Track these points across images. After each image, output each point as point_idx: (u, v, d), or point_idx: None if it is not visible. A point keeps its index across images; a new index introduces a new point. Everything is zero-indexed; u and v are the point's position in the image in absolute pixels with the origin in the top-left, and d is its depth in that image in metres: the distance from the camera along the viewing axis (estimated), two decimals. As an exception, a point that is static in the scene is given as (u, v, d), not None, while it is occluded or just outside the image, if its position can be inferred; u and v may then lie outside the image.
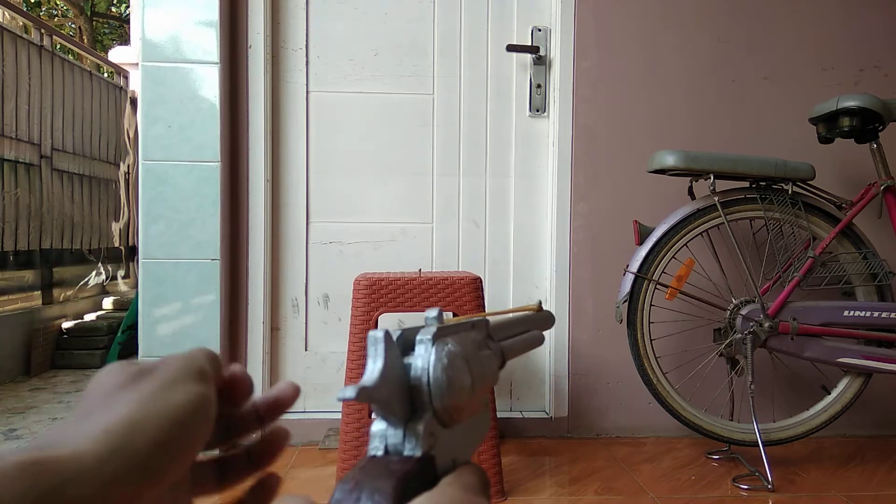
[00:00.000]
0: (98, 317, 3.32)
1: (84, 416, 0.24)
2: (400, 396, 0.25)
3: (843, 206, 1.71)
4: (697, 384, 1.86)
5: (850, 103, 1.61)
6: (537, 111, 2.01)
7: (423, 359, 0.26)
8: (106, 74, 4.19)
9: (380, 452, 0.25)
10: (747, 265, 1.70)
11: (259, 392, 0.30)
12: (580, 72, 1.97)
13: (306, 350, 1.98)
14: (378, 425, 0.26)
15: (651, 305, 1.67)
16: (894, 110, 1.63)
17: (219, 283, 1.80)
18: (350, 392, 0.23)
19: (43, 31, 3.17)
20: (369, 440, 0.26)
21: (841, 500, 1.52)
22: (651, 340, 1.68)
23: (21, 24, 3.79)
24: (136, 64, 1.84)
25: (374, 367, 0.25)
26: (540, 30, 2.00)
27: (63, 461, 0.21)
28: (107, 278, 3.85)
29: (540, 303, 0.40)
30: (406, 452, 0.25)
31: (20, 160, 2.95)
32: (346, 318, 1.98)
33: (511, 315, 0.36)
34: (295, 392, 0.30)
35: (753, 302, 1.67)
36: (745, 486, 1.58)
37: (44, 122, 3.15)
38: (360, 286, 1.54)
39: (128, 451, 0.22)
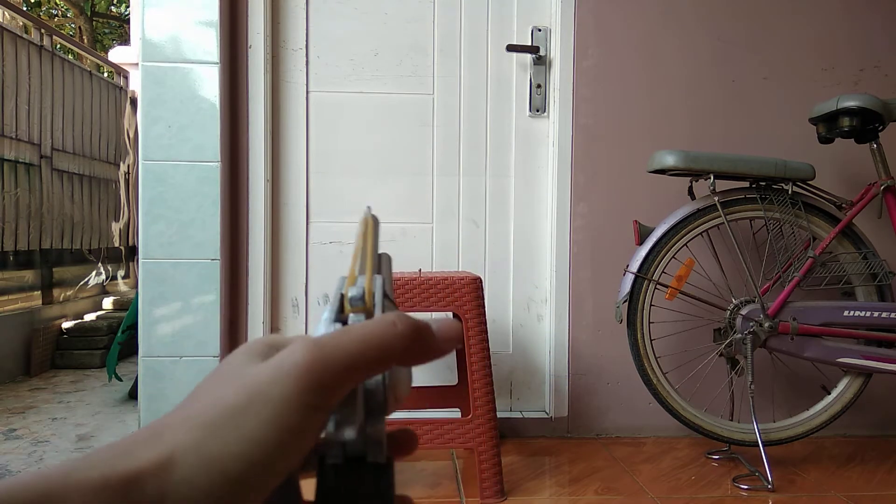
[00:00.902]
0: (98, 317, 3.32)
1: (165, 430, 0.22)
2: (352, 399, 0.24)
3: (843, 206, 1.71)
4: (697, 384, 1.86)
5: (850, 103, 1.61)
6: (537, 111, 2.01)
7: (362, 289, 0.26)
8: (106, 74, 4.19)
9: (339, 460, 0.24)
10: (747, 265, 1.70)
11: None
12: (580, 72, 1.97)
13: (306, 350, 1.98)
14: (331, 428, 0.24)
15: (651, 305, 1.67)
16: (894, 110, 1.63)
17: (219, 283, 1.80)
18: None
19: (43, 31, 3.17)
20: (320, 445, 0.25)
21: (841, 500, 1.52)
22: (651, 340, 1.68)
23: (21, 23, 3.79)
24: (136, 64, 1.84)
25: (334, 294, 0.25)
26: (540, 30, 2.00)
27: (145, 476, 0.20)
28: (107, 278, 3.85)
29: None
30: (370, 460, 0.24)
31: (20, 160, 2.96)
32: (346, 318, 1.97)
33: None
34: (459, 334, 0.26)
35: (753, 302, 1.67)
36: (745, 486, 1.58)
37: (44, 122, 3.15)
38: (360, 286, 1.54)
39: (226, 477, 0.21)
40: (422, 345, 0.24)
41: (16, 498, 0.19)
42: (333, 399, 0.22)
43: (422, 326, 0.24)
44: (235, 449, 0.21)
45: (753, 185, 1.70)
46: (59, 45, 3.42)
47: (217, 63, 1.80)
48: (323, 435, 0.24)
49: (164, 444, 0.21)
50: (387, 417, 0.25)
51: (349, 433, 0.23)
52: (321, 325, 0.26)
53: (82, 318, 3.27)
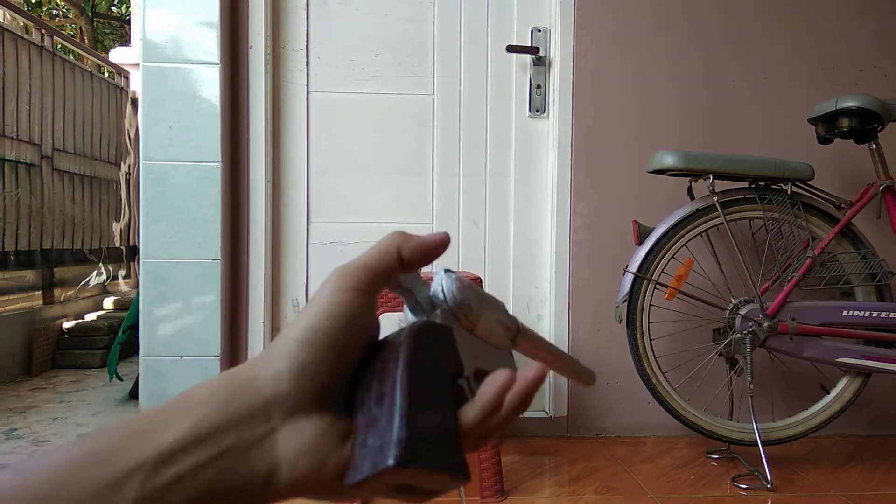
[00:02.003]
0: (99, 317, 3.32)
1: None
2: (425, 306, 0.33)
3: (843, 206, 1.72)
4: (697, 384, 1.87)
5: (850, 104, 1.61)
6: (537, 111, 2.02)
7: (438, 279, 0.35)
8: (107, 75, 4.19)
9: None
10: (746, 265, 1.70)
11: None
12: (580, 72, 1.98)
13: (307, 350, 1.99)
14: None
15: (650, 305, 1.68)
16: (893, 111, 1.63)
17: (219, 283, 1.81)
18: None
19: (43, 31, 3.17)
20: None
21: (840, 500, 1.52)
22: (650, 340, 1.69)
23: (22, 24, 3.80)
24: (137, 64, 1.85)
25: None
26: (540, 30, 2.01)
27: (243, 368, 0.29)
28: (107, 278, 3.86)
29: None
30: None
31: (21, 160, 2.96)
32: (347, 318, 1.98)
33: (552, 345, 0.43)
34: (445, 240, 0.35)
35: (753, 302, 1.67)
36: (745, 486, 1.59)
37: (44, 122, 3.15)
38: (360, 286, 1.55)
39: (297, 343, 0.29)
40: (410, 241, 0.33)
41: (167, 401, 0.27)
42: (358, 283, 0.30)
43: (410, 235, 0.34)
44: (301, 323, 0.29)
45: (753, 186, 1.70)
46: (59, 46, 3.42)
47: (218, 63, 1.80)
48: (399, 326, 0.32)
49: (259, 354, 0.30)
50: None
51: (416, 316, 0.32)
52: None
53: (83, 318, 3.28)
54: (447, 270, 0.36)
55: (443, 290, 0.34)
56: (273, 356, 0.28)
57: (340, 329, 0.29)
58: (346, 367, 0.30)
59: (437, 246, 0.34)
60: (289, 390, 0.28)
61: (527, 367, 0.32)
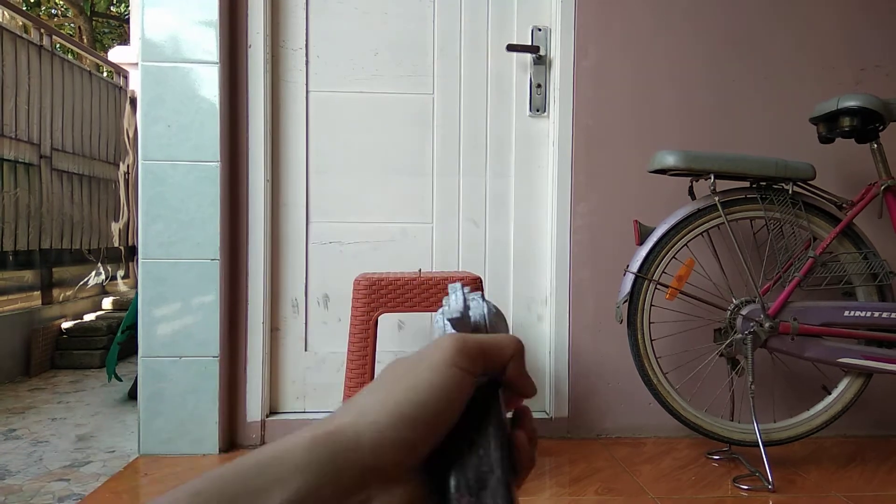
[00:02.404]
0: (97, 317, 3.31)
1: (356, 400, 0.30)
2: (465, 328, 0.36)
3: (844, 205, 1.71)
4: (698, 384, 1.86)
5: (851, 103, 1.60)
6: (537, 111, 2.01)
7: (479, 306, 0.37)
8: (105, 74, 4.19)
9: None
10: (748, 265, 1.69)
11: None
12: (580, 72, 1.97)
13: (306, 350, 1.98)
14: None
15: (651, 305, 1.67)
16: (895, 110, 1.63)
17: (218, 283, 1.80)
18: (452, 314, 0.36)
19: (42, 30, 3.17)
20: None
21: (841, 501, 1.52)
22: (651, 340, 1.68)
23: (21, 23, 3.79)
24: (136, 64, 1.84)
25: (456, 301, 0.37)
26: (540, 29, 2.00)
27: (344, 426, 0.28)
28: (106, 278, 3.85)
29: None
30: None
31: (20, 160, 2.95)
32: (346, 319, 1.97)
33: None
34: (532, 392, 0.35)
35: (754, 302, 1.67)
36: (746, 487, 1.58)
37: (43, 121, 3.14)
38: (359, 286, 1.54)
39: (402, 418, 0.28)
40: (522, 359, 0.34)
41: (258, 454, 0.26)
42: (470, 364, 0.30)
43: (523, 354, 0.34)
44: (407, 395, 0.28)
45: (754, 185, 1.70)
46: (58, 45, 3.41)
47: (217, 63, 1.80)
48: None
49: (355, 406, 0.29)
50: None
51: None
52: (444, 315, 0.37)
53: (82, 319, 3.27)
54: (482, 296, 0.39)
55: (485, 320, 0.37)
56: (376, 422, 0.28)
57: (447, 411, 0.29)
58: (441, 439, 0.30)
59: (526, 391, 0.35)
60: (388, 463, 0.27)
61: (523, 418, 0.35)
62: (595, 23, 1.97)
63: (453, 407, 0.29)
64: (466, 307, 0.37)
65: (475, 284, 1.56)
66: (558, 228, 1.97)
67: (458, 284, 0.39)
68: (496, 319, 0.37)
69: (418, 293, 1.54)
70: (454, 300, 0.38)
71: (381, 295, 1.53)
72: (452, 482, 0.29)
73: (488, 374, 0.33)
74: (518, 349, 0.33)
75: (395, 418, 0.28)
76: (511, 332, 0.36)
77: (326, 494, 0.26)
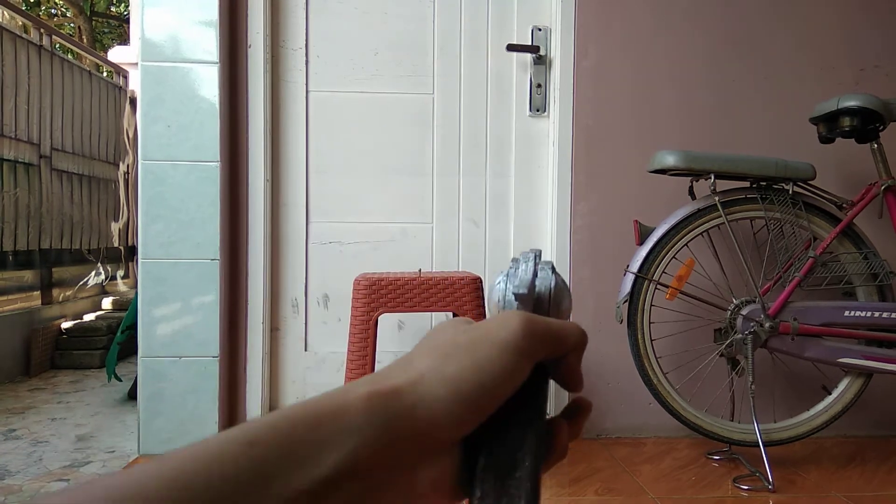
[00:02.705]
0: (97, 317, 3.31)
1: (414, 360, 0.29)
2: (531, 299, 0.35)
3: (844, 205, 1.71)
4: (698, 384, 1.86)
5: (851, 103, 1.60)
6: (537, 111, 2.01)
7: (547, 278, 0.36)
8: (105, 74, 4.18)
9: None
10: (748, 265, 1.69)
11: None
12: (580, 71, 1.97)
13: (306, 350, 1.98)
14: None
15: (651, 306, 1.67)
16: (895, 110, 1.63)
17: (218, 283, 1.80)
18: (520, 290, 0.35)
19: (42, 30, 3.16)
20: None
21: (841, 501, 1.52)
22: (651, 341, 1.68)
23: (20, 23, 3.79)
24: (136, 63, 1.84)
25: (525, 272, 0.36)
26: (540, 29, 2.00)
27: (403, 389, 0.27)
28: (106, 278, 3.85)
29: None
30: None
31: (20, 160, 2.95)
32: (346, 319, 1.97)
33: None
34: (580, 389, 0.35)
35: (754, 302, 1.66)
36: (746, 487, 1.58)
37: (43, 121, 3.14)
38: (359, 286, 1.54)
39: (460, 394, 0.27)
40: (582, 352, 0.33)
41: (312, 406, 0.25)
42: (536, 350, 0.30)
43: (584, 347, 0.33)
44: (468, 373, 0.28)
45: (754, 185, 1.69)
46: (58, 45, 3.41)
47: (217, 63, 1.80)
48: None
49: (414, 368, 0.28)
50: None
51: None
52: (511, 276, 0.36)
53: (82, 319, 3.27)
54: (548, 263, 0.38)
55: (549, 294, 0.36)
56: (434, 394, 0.27)
57: (504, 395, 0.29)
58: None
59: (576, 385, 0.34)
60: (439, 438, 0.27)
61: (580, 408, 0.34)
62: (595, 23, 1.97)
63: (508, 391, 0.29)
64: (534, 279, 0.35)
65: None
66: (558, 228, 1.97)
67: (532, 253, 0.37)
68: (560, 294, 0.36)
69: (418, 293, 1.54)
70: (523, 270, 0.36)
71: (381, 295, 1.53)
72: (482, 461, 0.28)
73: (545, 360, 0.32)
74: (582, 342, 0.32)
75: (453, 394, 0.27)
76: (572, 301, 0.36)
77: (378, 460, 0.25)
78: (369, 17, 1.97)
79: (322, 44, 1.96)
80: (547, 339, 0.30)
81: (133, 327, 2.05)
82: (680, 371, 1.87)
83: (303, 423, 0.25)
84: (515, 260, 0.37)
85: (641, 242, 1.68)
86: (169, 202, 1.79)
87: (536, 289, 0.35)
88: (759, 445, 1.62)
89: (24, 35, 3.00)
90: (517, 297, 0.35)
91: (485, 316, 1.58)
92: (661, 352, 1.73)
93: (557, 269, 0.39)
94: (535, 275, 0.36)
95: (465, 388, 0.27)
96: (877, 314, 1.64)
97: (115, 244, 4.00)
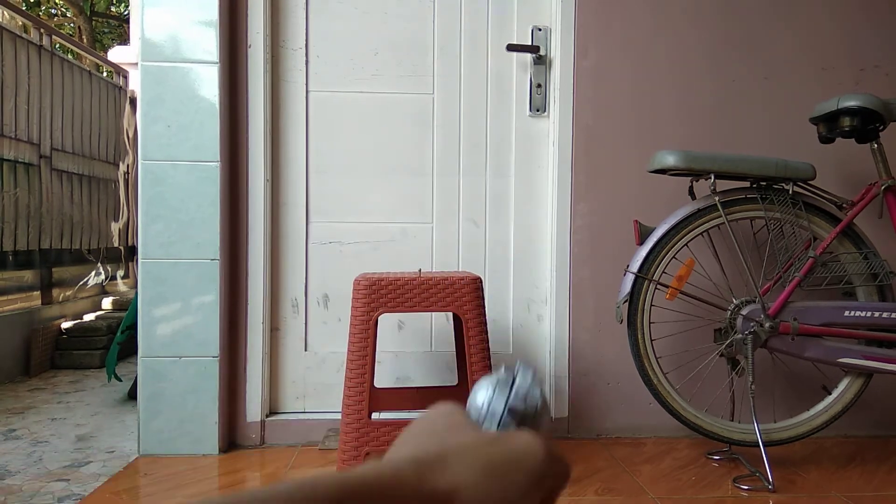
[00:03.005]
0: (97, 317, 3.31)
1: (458, 461, 0.30)
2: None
3: (844, 205, 1.71)
4: (698, 384, 1.86)
5: (851, 103, 1.60)
6: (537, 111, 2.01)
7: (536, 398, 0.37)
8: (105, 74, 4.18)
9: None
10: (748, 265, 1.69)
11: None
12: (580, 71, 1.97)
13: (306, 350, 1.98)
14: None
15: (651, 305, 1.67)
16: (895, 110, 1.63)
17: (218, 283, 1.80)
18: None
19: (42, 30, 3.16)
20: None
21: (841, 501, 1.52)
22: (651, 340, 1.68)
23: (20, 23, 3.79)
24: (136, 63, 1.84)
25: (522, 385, 0.37)
26: (540, 29, 2.00)
27: (436, 494, 0.28)
28: (106, 278, 3.85)
29: None
30: None
31: (19, 160, 2.95)
32: (346, 319, 1.97)
33: None
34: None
35: (754, 302, 1.67)
36: (746, 487, 1.58)
37: (43, 121, 3.14)
38: (359, 286, 1.54)
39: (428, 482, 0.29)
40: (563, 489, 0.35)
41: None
42: (547, 484, 0.32)
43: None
44: (508, 494, 0.30)
45: (754, 185, 1.70)
46: (58, 45, 3.41)
47: (217, 63, 1.80)
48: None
49: (452, 473, 0.29)
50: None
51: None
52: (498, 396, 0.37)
53: (82, 319, 3.27)
54: (539, 380, 0.38)
55: (536, 406, 0.37)
56: (461, 474, 0.29)
57: None
58: None
59: None
60: None
61: None
62: (595, 23, 1.97)
63: None
64: (527, 394, 0.37)
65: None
66: (558, 228, 1.97)
67: (531, 369, 0.38)
68: (544, 412, 0.37)
69: (418, 293, 1.54)
70: (520, 382, 0.37)
71: (381, 295, 1.53)
72: None
73: None
74: (566, 483, 0.34)
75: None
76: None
77: None
78: (369, 17, 1.97)
79: (322, 44, 1.96)
80: (558, 474, 0.33)
81: (133, 327, 2.06)
82: (680, 371, 1.87)
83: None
84: (508, 369, 0.38)
85: (641, 242, 1.68)
86: (169, 202, 1.79)
87: (527, 407, 0.37)
88: (759, 445, 1.62)
89: (24, 35, 3.00)
90: (511, 410, 0.36)
91: (484, 316, 1.58)
92: (661, 352, 1.73)
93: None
94: (528, 391, 0.37)
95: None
96: (877, 314, 1.64)
97: (115, 244, 4.00)
